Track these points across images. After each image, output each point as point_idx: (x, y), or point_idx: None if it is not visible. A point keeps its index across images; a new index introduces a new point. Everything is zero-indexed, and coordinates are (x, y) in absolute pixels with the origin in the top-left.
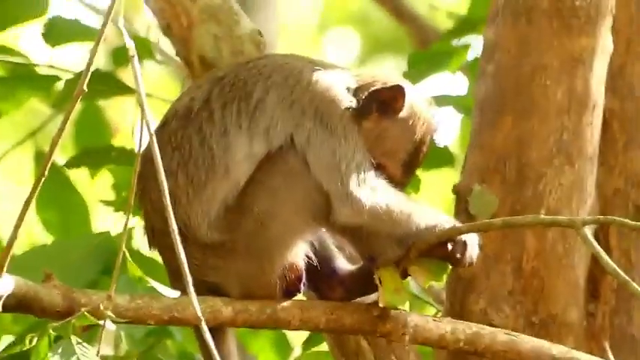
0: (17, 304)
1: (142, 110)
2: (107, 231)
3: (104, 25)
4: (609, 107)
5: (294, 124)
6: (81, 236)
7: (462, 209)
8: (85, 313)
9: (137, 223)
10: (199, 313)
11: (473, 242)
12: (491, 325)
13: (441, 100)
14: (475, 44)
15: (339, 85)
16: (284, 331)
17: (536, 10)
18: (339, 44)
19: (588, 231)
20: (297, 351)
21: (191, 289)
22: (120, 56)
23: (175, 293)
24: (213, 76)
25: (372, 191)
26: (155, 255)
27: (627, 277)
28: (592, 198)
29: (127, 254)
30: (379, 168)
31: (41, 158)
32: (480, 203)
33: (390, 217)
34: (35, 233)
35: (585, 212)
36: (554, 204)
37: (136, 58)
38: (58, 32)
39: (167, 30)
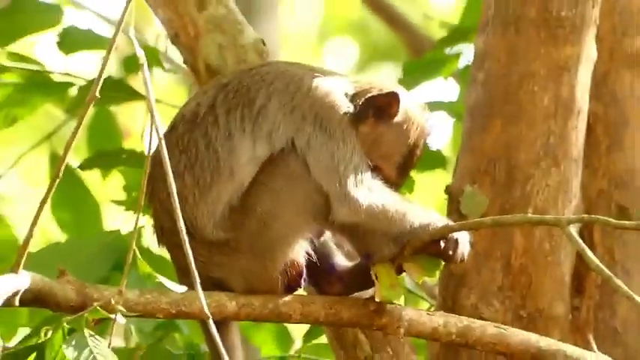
0: (33, 298)
1: (152, 115)
2: (118, 229)
3: (115, 34)
4: (593, 112)
5: (295, 129)
6: (93, 234)
7: (454, 209)
8: (98, 307)
9: (147, 222)
10: (205, 308)
11: (464, 240)
12: (482, 318)
13: (434, 106)
14: (466, 52)
15: (338, 92)
16: (285, 324)
17: (524, 20)
18: (338, 53)
19: (573, 229)
20: (298, 343)
21: (198, 284)
22: (130, 64)
23: (182, 288)
24: (218, 83)
25: (369, 192)
26: (164, 252)
27: (610, 273)
28: (577, 198)
29: (137, 252)
30: (375, 170)
31: (56, 160)
32: (471, 203)
33: (385, 216)
34: (50, 232)
35: (570, 212)
36: (541, 204)
37: (145, 66)
38: (72, 41)
39: (175, 39)
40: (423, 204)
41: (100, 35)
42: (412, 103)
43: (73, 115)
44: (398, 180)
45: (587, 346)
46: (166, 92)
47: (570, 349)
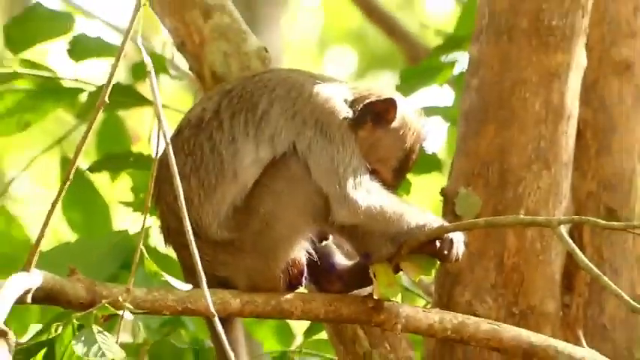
0: (45, 296)
1: (159, 120)
2: (126, 230)
3: (124, 42)
4: (583, 118)
5: (296, 133)
6: (102, 234)
7: (449, 210)
8: (106, 304)
9: (154, 223)
10: (210, 305)
11: (459, 240)
12: (476, 315)
13: (429, 111)
14: (461, 60)
15: (338, 98)
16: (287, 320)
17: (517, 29)
18: (338, 60)
19: (564, 230)
20: (299, 339)
21: (204, 282)
22: (138, 71)
23: (187, 286)
24: (222, 89)
25: (367, 193)
26: (170, 252)
27: (599, 272)
28: (567, 200)
29: (144, 251)
30: (373, 173)
31: (66, 163)
32: (466, 205)
33: (383, 217)
34: (61, 232)
35: (561, 213)
36: (533, 205)
37: (153, 73)
38: (82, 49)
39: (181, 47)
40: (420, 205)
41: (109, 43)
42: (409, 109)
43: (83, 119)
44: (394, 183)
45: (577, 342)
46: (173, 98)
47: (561, 344)
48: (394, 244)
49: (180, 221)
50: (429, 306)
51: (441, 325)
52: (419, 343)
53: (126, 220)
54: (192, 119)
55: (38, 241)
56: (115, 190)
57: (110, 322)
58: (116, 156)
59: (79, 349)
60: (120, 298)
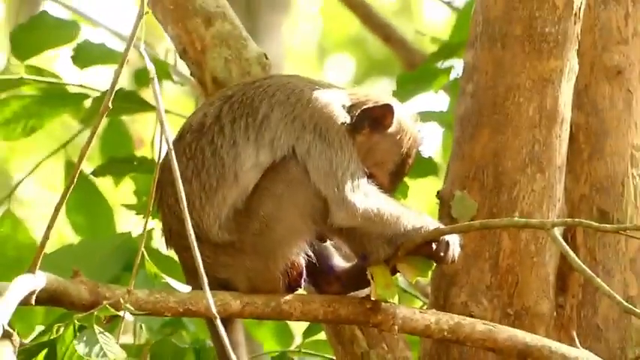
0: (49, 297)
1: (161, 125)
2: (129, 232)
3: (127, 49)
4: (575, 122)
5: (295, 137)
6: (105, 237)
7: (445, 213)
8: (107, 305)
9: (156, 225)
10: (212, 306)
11: (455, 242)
12: (471, 316)
13: (425, 116)
14: (456, 66)
15: (336, 103)
16: (286, 321)
17: (510, 36)
18: (336, 67)
19: (557, 232)
20: (298, 339)
21: (206, 284)
22: (141, 77)
23: (187, 288)
24: (223, 95)
25: (364, 197)
26: (172, 254)
27: (592, 273)
28: (561, 203)
29: (146, 253)
30: (370, 177)
31: (71, 167)
32: (461, 207)
33: (381, 219)
34: (65, 234)
35: (555, 215)
36: (527, 208)
37: (155, 79)
38: (86, 56)
39: (183, 54)
40: (416, 208)
41: (113, 50)
42: (405, 115)
43: (87, 124)
44: (391, 186)
45: (570, 342)
46: (175, 103)
47: (555, 344)
48: (391, 246)
49: (181, 223)
50: (425, 307)
51: (438, 326)
52: (416, 344)
53: (129, 222)
54: (194, 124)
55: (43, 243)
56: (119, 193)
57: (112, 324)
58: (119, 160)
59: (80, 349)
60: (122, 300)
